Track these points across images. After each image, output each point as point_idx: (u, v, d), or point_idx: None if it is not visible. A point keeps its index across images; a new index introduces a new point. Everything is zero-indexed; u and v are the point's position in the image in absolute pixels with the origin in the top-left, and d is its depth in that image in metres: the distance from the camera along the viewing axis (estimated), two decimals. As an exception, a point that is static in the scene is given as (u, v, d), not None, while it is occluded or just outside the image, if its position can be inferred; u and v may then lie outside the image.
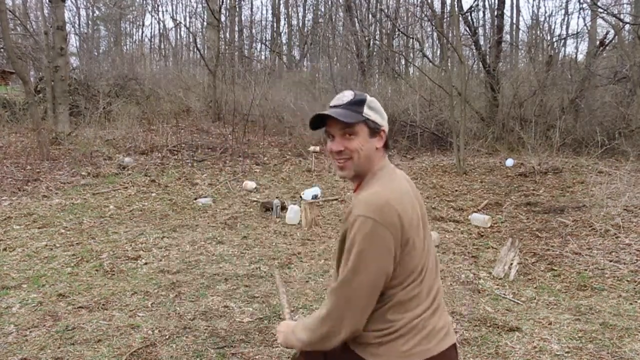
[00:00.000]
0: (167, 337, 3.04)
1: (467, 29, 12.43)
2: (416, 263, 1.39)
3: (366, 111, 1.44)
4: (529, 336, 3.07)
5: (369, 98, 1.47)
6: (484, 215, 5.76)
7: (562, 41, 15.06)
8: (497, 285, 3.96)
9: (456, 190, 7.24)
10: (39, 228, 5.42)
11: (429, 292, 1.44)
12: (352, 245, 1.31)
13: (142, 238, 5.12)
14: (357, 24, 14.36)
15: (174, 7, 34.85)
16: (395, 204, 1.33)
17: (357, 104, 1.45)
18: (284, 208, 6.16)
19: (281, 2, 25.49)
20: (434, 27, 14.51)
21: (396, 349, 1.37)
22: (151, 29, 44.69)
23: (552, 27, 18.12)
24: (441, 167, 8.81)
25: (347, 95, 1.47)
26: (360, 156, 1.44)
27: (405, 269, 1.37)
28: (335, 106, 1.46)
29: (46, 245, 4.83)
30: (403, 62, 18.32)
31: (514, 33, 18.78)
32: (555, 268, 4.27)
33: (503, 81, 11.54)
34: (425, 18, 14.79)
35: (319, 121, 1.46)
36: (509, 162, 8.66)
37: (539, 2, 35.64)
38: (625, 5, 12.24)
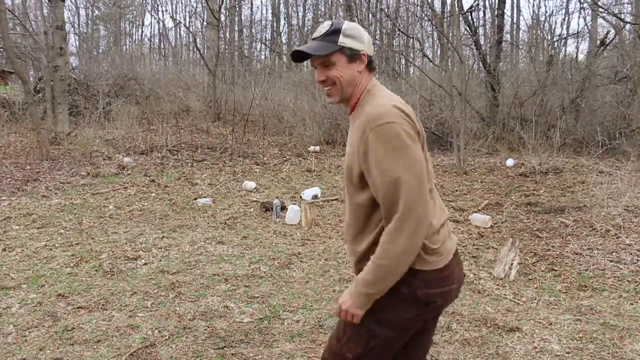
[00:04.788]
0: (166, 337, 3.03)
1: (468, 28, 12.40)
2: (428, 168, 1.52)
3: (342, 40, 1.52)
4: (529, 336, 3.06)
5: (345, 26, 1.54)
6: (485, 215, 5.75)
7: (563, 41, 15.07)
8: (498, 285, 3.96)
9: (456, 190, 7.23)
10: (38, 228, 5.41)
11: (439, 206, 1.61)
12: (389, 150, 1.40)
13: (141, 238, 5.11)
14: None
15: (174, 7, 34.81)
16: (399, 105, 1.48)
17: (333, 34, 1.53)
18: (284, 208, 6.15)
19: (281, 2, 25.49)
20: (434, 27, 14.49)
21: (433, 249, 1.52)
22: (151, 28, 44.76)
23: (553, 27, 18.12)
24: (441, 167, 8.80)
25: (324, 26, 1.55)
26: (342, 82, 1.54)
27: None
28: (313, 38, 1.55)
29: (45, 246, 4.82)
30: (403, 62, 18.30)
31: (514, 33, 18.79)
32: (556, 268, 4.27)
33: (503, 81, 11.53)
34: (426, 18, 14.78)
35: (301, 55, 1.55)
36: (510, 162, 8.65)
37: (539, 2, 35.65)
38: (625, 5, 12.23)
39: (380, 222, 1.50)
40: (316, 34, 1.54)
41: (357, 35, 1.53)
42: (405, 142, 1.41)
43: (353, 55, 1.53)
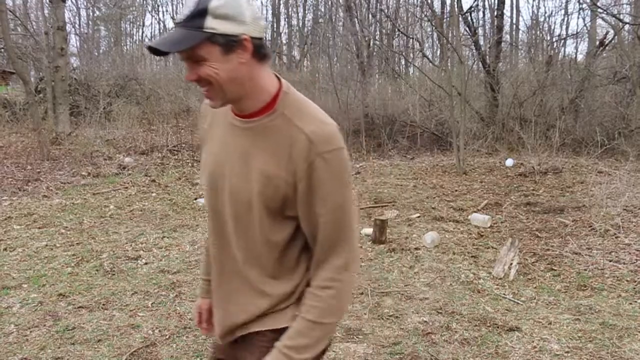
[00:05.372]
0: (167, 336, 3.04)
1: (467, 29, 12.43)
2: None
3: (210, 24, 1.07)
4: (528, 336, 3.08)
5: (215, 3, 1.07)
6: (484, 215, 5.76)
7: (562, 41, 15.06)
8: (497, 285, 3.97)
9: (456, 190, 7.24)
10: (39, 228, 5.43)
11: None
12: (337, 183, 1.14)
13: (142, 238, 5.12)
14: (357, 24, 14.37)
15: (174, 7, 34.87)
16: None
17: (197, 16, 1.07)
18: (284, 208, 6.16)
19: (281, 2, 25.51)
20: (433, 27, 14.51)
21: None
22: (151, 29, 44.73)
23: (552, 27, 18.14)
24: (441, 167, 8.81)
25: (189, 5, 1.09)
26: (220, 82, 1.12)
27: None
28: (176, 23, 1.11)
29: (46, 245, 4.84)
30: (403, 62, 18.32)
31: (513, 33, 18.78)
32: (555, 268, 4.28)
33: (503, 81, 11.54)
34: (425, 18, 14.79)
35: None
36: (509, 162, 8.67)
37: (538, 3, 35.68)
38: (624, 6, 12.25)
39: (295, 261, 1.24)
40: (180, 15, 1.10)
41: (233, 14, 1.08)
42: (350, 177, 1.18)
43: (229, 44, 1.09)
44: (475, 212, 6.03)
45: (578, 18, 35.62)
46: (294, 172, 1.13)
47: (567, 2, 18.01)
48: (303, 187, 1.14)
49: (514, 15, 19.47)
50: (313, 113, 1.17)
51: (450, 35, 11.28)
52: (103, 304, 3.50)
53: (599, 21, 13.25)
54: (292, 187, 1.14)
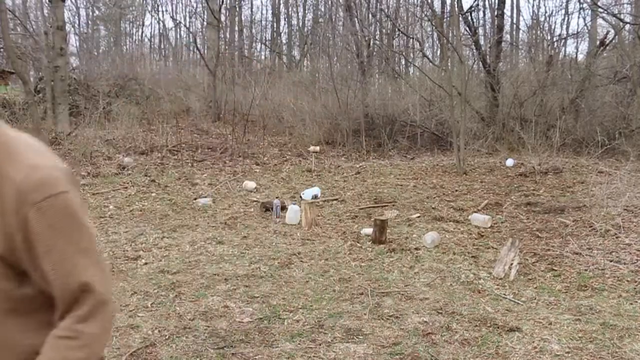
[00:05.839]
0: (166, 337, 3.03)
1: (467, 29, 12.42)
2: None
3: None
4: (529, 336, 3.07)
5: None
6: (484, 215, 5.76)
7: (563, 41, 15.04)
8: (497, 285, 3.96)
9: (456, 190, 7.23)
10: (38, 228, 5.42)
11: None
12: (60, 235, 1.00)
13: (142, 238, 5.11)
14: (357, 24, 14.37)
15: (174, 7, 34.87)
16: (56, 160, 1.07)
17: None
18: (284, 208, 6.16)
19: (281, 2, 25.48)
20: (434, 27, 14.51)
21: None
22: (151, 28, 44.78)
23: (552, 27, 18.10)
24: (441, 167, 8.80)
25: None
26: None
27: None
28: None
29: (46, 245, 4.83)
30: (403, 62, 18.30)
31: (514, 33, 18.77)
32: (556, 268, 4.27)
33: (503, 81, 11.53)
34: (425, 18, 14.79)
35: None
36: (509, 162, 8.66)
37: (539, 2, 35.64)
38: (625, 5, 12.25)
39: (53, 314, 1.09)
40: None
41: None
42: (81, 220, 1.04)
43: None
44: (475, 212, 6.02)
45: (578, 18, 35.63)
46: (11, 228, 0.99)
47: (567, 1, 17.93)
48: (21, 244, 0.99)
49: (515, 15, 19.47)
50: (24, 157, 1.02)
51: (450, 35, 11.27)
52: (102, 304, 3.48)
53: (600, 21, 13.26)
54: (10, 247, 0.99)
